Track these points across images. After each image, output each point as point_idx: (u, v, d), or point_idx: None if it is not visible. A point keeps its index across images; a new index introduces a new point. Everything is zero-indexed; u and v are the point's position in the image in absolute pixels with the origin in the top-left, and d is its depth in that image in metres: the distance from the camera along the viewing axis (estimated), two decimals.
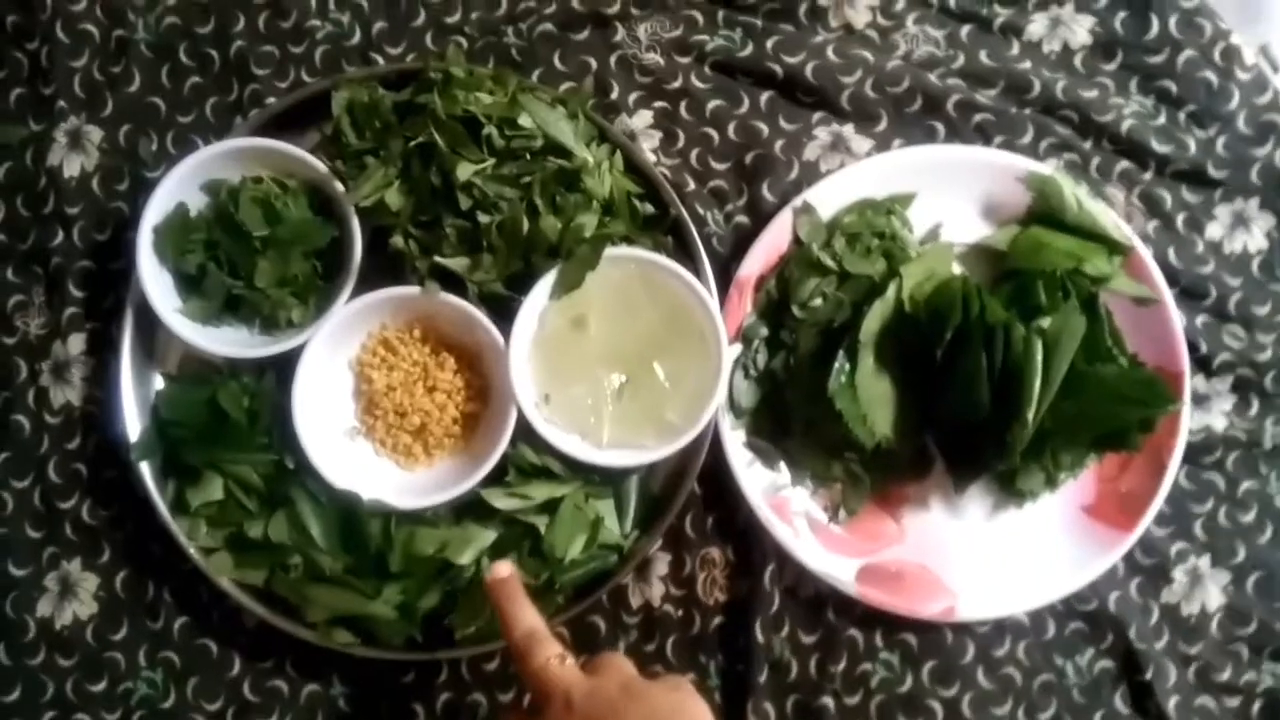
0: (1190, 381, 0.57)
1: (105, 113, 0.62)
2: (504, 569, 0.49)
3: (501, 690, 0.58)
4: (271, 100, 0.61)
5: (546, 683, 0.43)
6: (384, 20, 0.63)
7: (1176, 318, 0.57)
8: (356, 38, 0.62)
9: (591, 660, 0.46)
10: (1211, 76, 0.61)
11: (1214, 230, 0.61)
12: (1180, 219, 0.61)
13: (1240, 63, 0.61)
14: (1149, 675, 0.58)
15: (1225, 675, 0.58)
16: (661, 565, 0.59)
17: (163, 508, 0.56)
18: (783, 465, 0.58)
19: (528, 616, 0.46)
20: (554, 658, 0.44)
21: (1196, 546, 0.59)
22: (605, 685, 0.43)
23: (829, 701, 0.58)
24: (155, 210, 0.56)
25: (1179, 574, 0.59)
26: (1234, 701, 0.58)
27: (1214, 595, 0.59)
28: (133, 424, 0.57)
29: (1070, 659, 0.59)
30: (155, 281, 0.56)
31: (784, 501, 0.58)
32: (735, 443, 0.57)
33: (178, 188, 0.56)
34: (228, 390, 0.56)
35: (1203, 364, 0.60)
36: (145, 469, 0.56)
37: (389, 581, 0.54)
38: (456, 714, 0.58)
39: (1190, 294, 0.60)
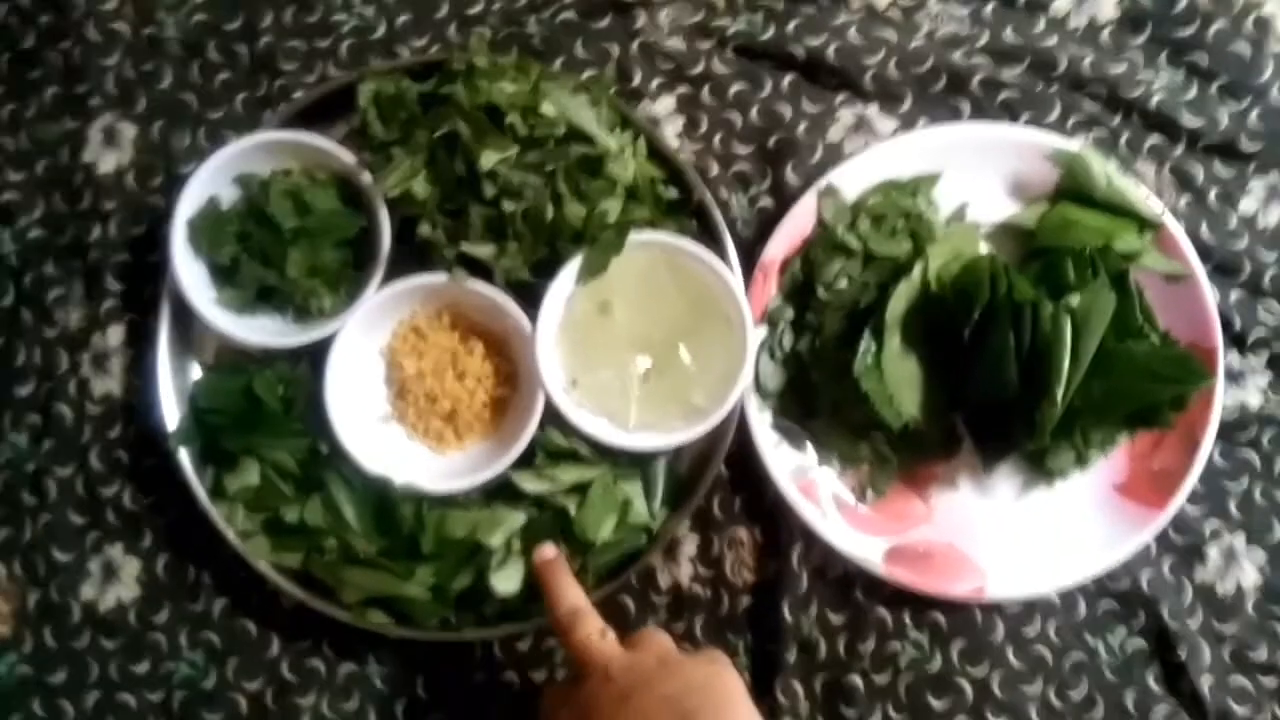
0: (1224, 358, 0.56)
1: (138, 109, 0.64)
2: (550, 551, 0.51)
3: (534, 669, 0.59)
4: (299, 94, 0.62)
5: (588, 655, 0.45)
6: (408, 13, 0.63)
7: (1209, 294, 0.56)
8: (381, 30, 0.63)
9: (632, 635, 0.47)
10: (1243, 48, 0.60)
11: (1247, 204, 0.60)
12: (1212, 194, 0.60)
13: (1273, 33, 0.60)
14: (1183, 655, 0.57)
15: (1261, 655, 0.58)
16: (690, 546, 0.59)
17: (202, 493, 0.57)
18: (810, 446, 0.58)
19: (572, 593, 0.48)
20: (595, 632, 0.46)
21: (1231, 524, 0.58)
22: (643, 658, 0.44)
23: (858, 680, 0.58)
24: (188, 204, 0.57)
25: (1213, 552, 0.58)
26: (1270, 681, 0.57)
27: (1249, 574, 0.58)
28: (171, 412, 0.58)
29: (1102, 638, 0.58)
30: (190, 273, 0.57)
31: (811, 482, 0.58)
32: (762, 424, 0.57)
33: (210, 182, 0.57)
34: (263, 378, 0.56)
35: (1237, 340, 0.59)
36: (184, 456, 0.57)
37: (421, 563, 0.55)
38: (490, 692, 0.59)
39: (1223, 269, 0.59)
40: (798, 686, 0.58)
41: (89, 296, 0.62)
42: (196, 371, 0.60)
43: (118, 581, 0.61)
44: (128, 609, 0.60)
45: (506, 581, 0.54)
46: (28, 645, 0.60)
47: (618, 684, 0.43)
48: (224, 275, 0.58)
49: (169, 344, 0.59)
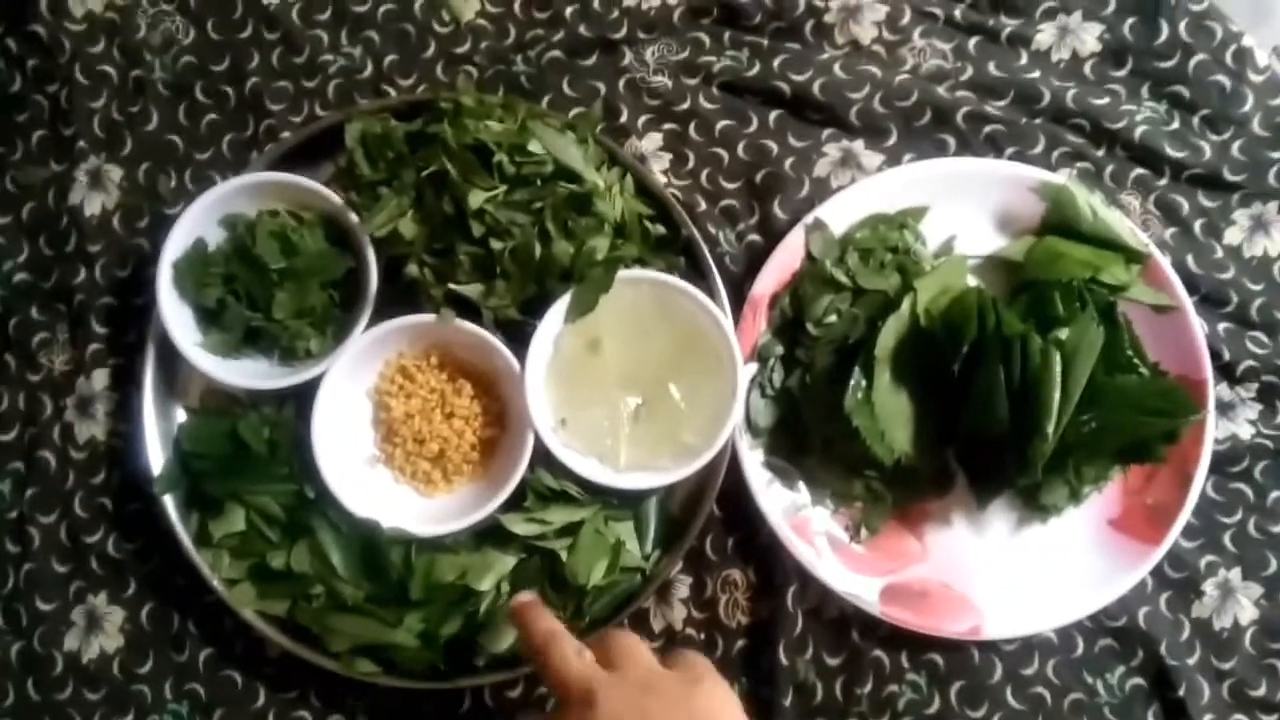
0: (1214, 390, 0.56)
1: (125, 152, 0.63)
2: (526, 595, 0.50)
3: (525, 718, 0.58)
4: (286, 134, 0.62)
5: (567, 678, 0.43)
6: (395, 53, 0.63)
7: (1197, 325, 0.56)
8: (368, 70, 0.63)
9: (603, 640, 0.45)
10: (1224, 80, 0.61)
11: (1233, 235, 0.61)
12: (1198, 225, 0.60)
13: (1253, 65, 0.61)
14: (1181, 692, 0.56)
15: (1260, 691, 0.57)
16: (683, 588, 0.59)
17: (186, 540, 0.56)
18: (802, 485, 0.58)
19: (546, 621, 0.47)
20: (572, 652, 0.44)
21: (1226, 559, 0.58)
22: (625, 681, 0.43)
23: None
24: (174, 246, 0.56)
25: (1209, 587, 0.58)
26: (1270, 718, 0.57)
27: (1246, 609, 0.58)
28: (156, 457, 0.57)
29: (1100, 677, 0.57)
30: (176, 316, 0.56)
31: (805, 521, 0.57)
32: (754, 463, 0.57)
33: (196, 223, 0.57)
34: (248, 422, 0.56)
35: (1226, 372, 0.59)
36: (169, 502, 0.57)
37: (410, 609, 0.54)
38: None
39: (1211, 300, 0.59)
40: None
41: (74, 341, 0.62)
42: (182, 416, 0.59)
43: (101, 631, 0.60)
44: (111, 659, 0.59)
45: (497, 640, 0.53)
46: (10, 698, 0.59)
47: (600, 711, 0.41)
48: (210, 317, 0.58)
49: (154, 388, 0.58)
